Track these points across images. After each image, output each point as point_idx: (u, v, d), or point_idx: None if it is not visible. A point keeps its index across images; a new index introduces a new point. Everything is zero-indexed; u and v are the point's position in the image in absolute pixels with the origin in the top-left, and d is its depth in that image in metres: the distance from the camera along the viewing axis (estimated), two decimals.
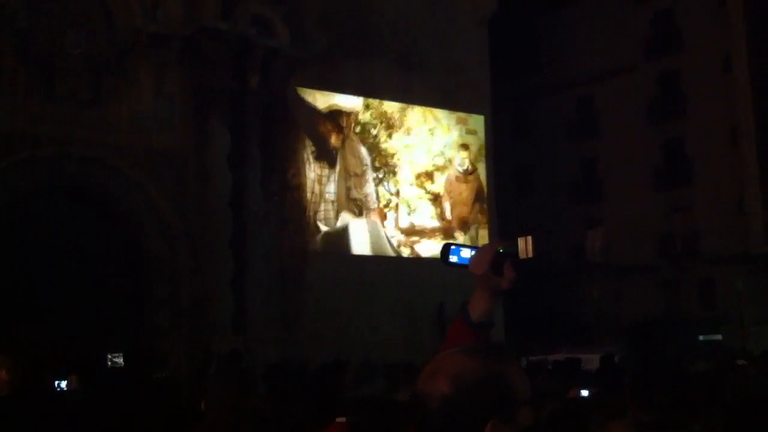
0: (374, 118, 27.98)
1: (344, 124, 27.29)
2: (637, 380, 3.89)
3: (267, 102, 23.78)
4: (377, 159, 28.03)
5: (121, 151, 21.73)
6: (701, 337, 31.25)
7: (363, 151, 27.75)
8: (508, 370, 1.96)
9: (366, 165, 27.68)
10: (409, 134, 28.53)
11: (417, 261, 27.59)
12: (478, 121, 30.17)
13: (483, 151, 30.27)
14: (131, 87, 22.05)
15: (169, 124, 22.53)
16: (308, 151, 26.33)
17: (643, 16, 37.45)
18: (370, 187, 27.69)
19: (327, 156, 26.81)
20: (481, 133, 30.28)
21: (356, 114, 27.58)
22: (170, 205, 22.20)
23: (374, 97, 27.73)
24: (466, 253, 2.42)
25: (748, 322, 30.31)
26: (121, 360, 14.83)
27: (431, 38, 28.75)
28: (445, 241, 2.60)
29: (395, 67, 27.70)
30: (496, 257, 2.34)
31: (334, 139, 27.02)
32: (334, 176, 26.82)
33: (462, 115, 29.71)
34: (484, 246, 2.41)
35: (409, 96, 28.28)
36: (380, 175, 28.09)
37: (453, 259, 2.42)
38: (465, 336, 2.32)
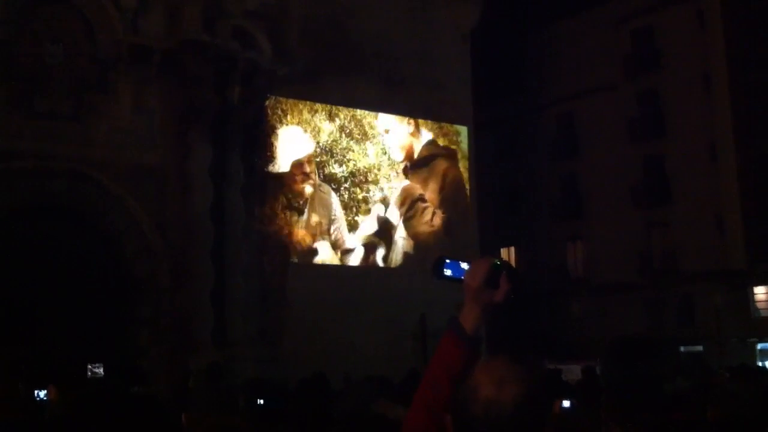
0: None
1: (309, 170, 27.43)
2: (614, 395, 3.91)
3: (248, 116, 23.75)
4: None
5: (101, 166, 21.59)
6: (682, 348, 31.50)
7: (333, 200, 27.81)
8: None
9: (335, 216, 27.78)
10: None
11: (397, 274, 27.59)
12: (461, 133, 30.31)
13: (466, 164, 30.41)
14: (111, 102, 21.94)
15: (150, 138, 22.43)
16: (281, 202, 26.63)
17: (622, 35, 37.74)
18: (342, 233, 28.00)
19: (294, 208, 27.07)
20: (465, 145, 30.42)
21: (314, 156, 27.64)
22: (151, 219, 22.07)
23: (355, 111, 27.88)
24: (460, 267, 2.40)
25: (726, 337, 30.53)
26: (101, 370, 14.68)
27: (413, 54, 28.86)
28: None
29: (376, 83, 27.79)
30: (491, 270, 2.33)
31: (302, 188, 27.23)
32: (302, 224, 27.09)
33: (445, 126, 29.87)
34: (480, 259, 2.39)
35: (391, 111, 28.41)
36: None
37: (447, 272, 2.40)
38: (457, 349, 2.32)
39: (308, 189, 27.23)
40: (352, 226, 27.99)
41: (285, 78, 24.72)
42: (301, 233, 26.95)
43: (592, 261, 38.23)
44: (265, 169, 25.69)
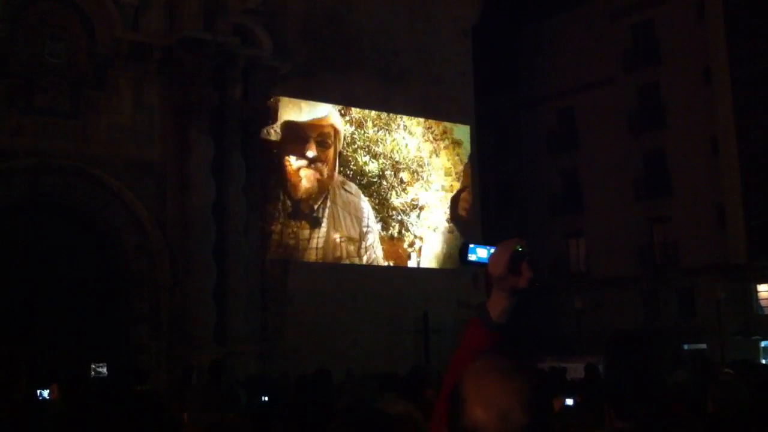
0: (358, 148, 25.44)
1: (329, 142, 23.54)
2: (616, 389, 3.91)
3: (248, 112, 23.71)
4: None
5: (101, 162, 21.59)
6: (686, 346, 31.43)
7: (364, 206, 23.44)
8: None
9: (368, 228, 23.24)
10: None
11: (398, 270, 27.49)
12: (463, 132, 30.09)
13: (469, 161, 30.27)
14: (110, 98, 21.94)
15: (149, 135, 22.43)
16: (284, 204, 23.36)
17: (622, 29, 37.69)
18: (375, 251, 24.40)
19: (306, 216, 22.99)
20: (467, 144, 30.22)
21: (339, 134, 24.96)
22: (150, 215, 22.07)
23: (355, 107, 27.66)
24: (484, 252, 2.44)
25: (727, 332, 30.49)
26: (105, 370, 14.68)
27: (412, 50, 28.79)
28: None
29: (376, 79, 27.70)
30: (513, 256, 2.32)
31: (314, 180, 23.49)
32: (317, 242, 23.41)
33: (447, 125, 29.62)
34: (502, 245, 2.38)
35: (390, 108, 28.27)
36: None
37: (472, 257, 2.45)
38: (483, 336, 2.32)
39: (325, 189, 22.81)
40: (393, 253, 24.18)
41: (284, 74, 24.68)
42: (315, 254, 23.86)
43: (593, 255, 38.23)
44: (258, 134, 22.44)
